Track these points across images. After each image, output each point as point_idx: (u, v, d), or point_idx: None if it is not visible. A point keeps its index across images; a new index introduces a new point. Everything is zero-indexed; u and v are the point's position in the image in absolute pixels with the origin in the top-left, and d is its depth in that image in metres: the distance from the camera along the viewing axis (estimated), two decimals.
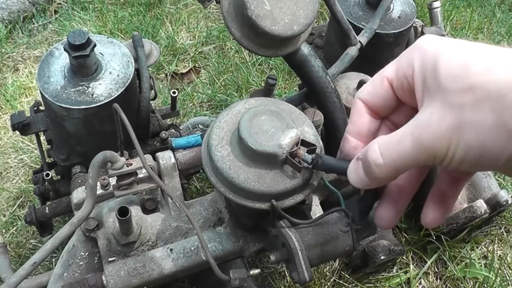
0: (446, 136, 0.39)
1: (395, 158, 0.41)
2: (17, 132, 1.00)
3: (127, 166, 0.71)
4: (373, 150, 0.42)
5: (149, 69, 0.99)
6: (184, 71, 1.61)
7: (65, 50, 0.85)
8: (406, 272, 1.16)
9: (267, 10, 0.63)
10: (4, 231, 1.21)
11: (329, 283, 1.14)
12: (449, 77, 0.39)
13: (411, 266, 1.17)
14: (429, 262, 1.16)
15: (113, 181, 0.74)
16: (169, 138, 0.89)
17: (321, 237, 0.56)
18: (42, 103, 0.97)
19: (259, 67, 1.61)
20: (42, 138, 1.07)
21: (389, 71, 0.45)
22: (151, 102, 1.03)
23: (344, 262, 1.16)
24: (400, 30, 1.05)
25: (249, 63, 1.60)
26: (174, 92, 1.08)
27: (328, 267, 1.16)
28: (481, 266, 1.17)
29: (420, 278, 1.16)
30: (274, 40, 0.66)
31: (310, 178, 0.60)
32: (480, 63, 0.38)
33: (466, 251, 1.18)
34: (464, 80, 0.38)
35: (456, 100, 0.38)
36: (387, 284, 1.14)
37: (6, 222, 1.22)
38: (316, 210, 0.80)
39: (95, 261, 0.77)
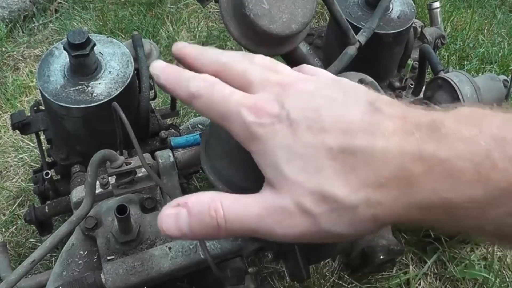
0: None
1: (237, 221, 0.40)
2: (17, 131, 1.01)
3: (126, 165, 0.71)
4: (214, 202, 0.40)
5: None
6: None
7: (64, 49, 0.86)
8: (405, 273, 1.16)
9: (265, 9, 0.63)
10: (3, 230, 1.21)
11: (328, 284, 1.14)
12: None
13: (411, 267, 1.17)
14: (428, 263, 1.16)
15: (112, 180, 0.75)
16: (168, 138, 0.89)
17: None
18: (42, 103, 0.97)
19: None
20: (42, 137, 1.07)
21: None
22: (150, 101, 1.04)
23: (344, 263, 1.16)
24: (399, 30, 1.05)
25: None
26: None
27: (327, 268, 1.16)
28: (480, 267, 1.17)
29: (419, 279, 1.16)
30: (272, 38, 0.67)
31: None
32: None
33: (465, 252, 1.18)
34: None
35: None
36: (387, 285, 1.14)
37: (6, 221, 1.22)
38: None
39: (94, 260, 0.77)
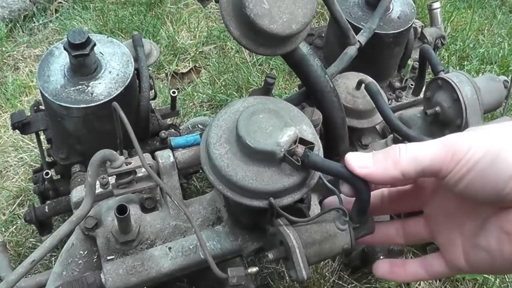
0: (470, 138, 0.44)
1: (420, 149, 0.47)
2: (17, 131, 1.01)
3: (126, 165, 0.71)
4: (401, 145, 0.48)
5: (150, 68, 1.00)
6: (184, 70, 1.62)
7: (64, 49, 0.86)
8: None
9: (266, 9, 0.63)
10: (3, 229, 1.21)
11: (328, 284, 1.14)
12: None
13: None
14: None
15: (112, 179, 0.75)
16: (168, 138, 0.89)
17: (319, 235, 0.56)
18: (42, 102, 0.97)
19: (260, 67, 1.61)
20: (42, 137, 1.07)
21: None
22: (151, 101, 1.04)
23: (344, 263, 1.16)
24: (399, 30, 1.05)
25: (250, 63, 1.60)
26: (174, 92, 1.08)
27: (327, 268, 1.16)
28: None
29: None
30: (273, 38, 0.67)
31: (308, 176, 0.60)
32: None
33: None
34: None
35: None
36: (387, 285, 1.14)
37: (6, 221, 1.22)
38: (315, 210, 0.80)
39: (94, 260, 0.77)
